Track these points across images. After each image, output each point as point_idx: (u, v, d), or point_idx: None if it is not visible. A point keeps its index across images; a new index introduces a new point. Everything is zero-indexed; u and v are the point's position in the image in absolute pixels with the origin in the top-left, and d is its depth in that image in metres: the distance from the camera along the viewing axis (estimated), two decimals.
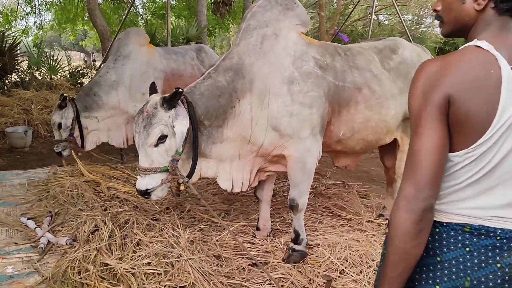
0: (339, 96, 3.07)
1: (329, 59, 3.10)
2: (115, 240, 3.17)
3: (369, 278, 2.89)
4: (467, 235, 1.23)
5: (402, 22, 10.18)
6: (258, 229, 3.55)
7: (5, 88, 9.19)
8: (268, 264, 3.09)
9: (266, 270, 2.77)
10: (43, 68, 9.99)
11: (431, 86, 1.19)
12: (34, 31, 16.13)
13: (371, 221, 3.97)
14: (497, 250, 1.20)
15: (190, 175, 2.84)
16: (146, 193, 2.69)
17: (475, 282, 1.21)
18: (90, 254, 2.96)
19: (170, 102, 2.61)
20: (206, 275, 2.77)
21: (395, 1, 9.83)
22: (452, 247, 1.25)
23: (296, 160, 3.02)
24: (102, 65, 8.28)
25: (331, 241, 3.40)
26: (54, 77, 9.88)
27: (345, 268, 3.01)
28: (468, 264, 1.22)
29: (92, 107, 4.69)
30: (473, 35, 1.27)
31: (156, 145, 2.63)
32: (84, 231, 3.32)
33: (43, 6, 14.23)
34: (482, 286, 1.20)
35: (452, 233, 1.25)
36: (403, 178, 1.22)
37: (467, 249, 1.23)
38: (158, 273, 2.70)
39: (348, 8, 14.02)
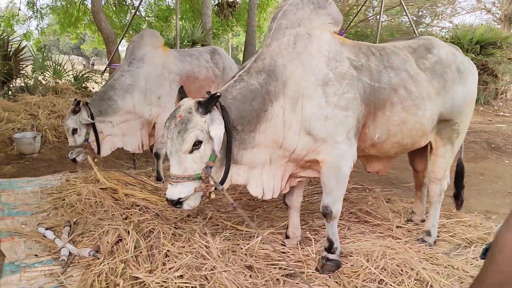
0: (375, 98, 2.93)
1: (363, 59, 2.97)
2: (141, 251, 3.03)
3: None
4: None
5: (410, 21, 10.08)
6: (287, 237, 3.41)
7: (10, 92, 9.05)
8: (303, 275, 2.95)
9: (306, 280, 2.63)
10: (47, 73, 9.85)
11: None
12: (35, 35, 16.02)
13: (400, 227, 3.84)
14: None
15: (222, 183, 2.70)
16: (178, 203, 2.55)
17: None
18: (116, 267, 2.83)
19: (206, 107, 2.48)
20: None
21: (403, 1, 9.73)
22: None
23: (331, 165, 2.88)
24: (114, 68, 8.17)
25: (364, 249, 3.26)
26: (59, 81, 9.74)
27: (384, 277, 2.87)
28: None
29: (107, 112, 4.56)
30: None
31: (191, 152, 2.50)
32: (108, 242, 3.18)
33: (45, 9, 14.09)
34: None
35: None
36: None
37: None
38: (192, 287, 2.56)
39: (353, 9, 13.91)
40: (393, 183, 5.61)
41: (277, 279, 2.88)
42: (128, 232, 3.30)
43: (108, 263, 2.89)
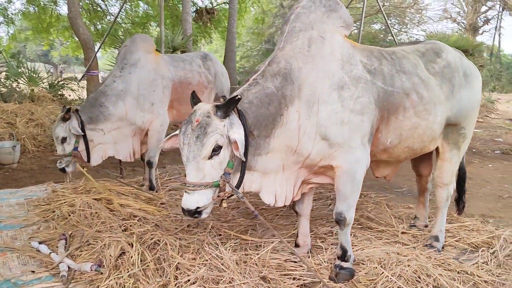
0: (388, 102, 2.90)
1: (376, 63, 2.93)
2: (148, 265, 2.88)
3: None
4: None
5: (389, 28, 10.23)
6: (297, 245, 3.32)
7: None
8: (319, 285, 2.86)
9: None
10: (22, 80, 9.48)
11: None
12: (4, 42, 15.46)
13: (405, 233, 3.81)
14: None
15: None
16: (196, 212, 2.42)
17: None
18: (125, 282, 2.66)
19: (225, 110, 2.37)
20: None
21: (383, 9, 9.89)
22: None
23: (346, 171, 2.82)
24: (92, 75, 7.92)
25: (375, 256, 3.19)
26: (35, 88, 9.38)
27: (402, 284, 2.81)
28: None
29: (98, 119, 4.36)
30: None
31: (210, 157, 2.38)
32: (110, 255, 3.00)
33: (17, 16, 13.61)
34: None
35: None
36: None
37: None
38: None
39: None
40: (385, 189, 5.61)
41: None
42: (131, 244, 3.13)
43: (114, 278, 2.72)
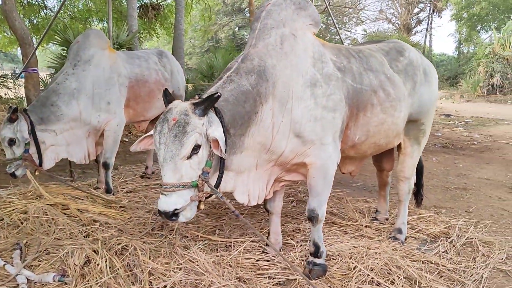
0: (358, 99, 2.95)
1: (345, 61, 2.98)
2: (118, 272, 2.74)
3: None
4: None
5: (336, 28, 10.48)
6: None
7: None
8: (294, 282, 2.86)
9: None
10: None
11: None
12: None
13: (368, 226, 3.91)
14: None
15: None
16: (173, 215, 2.33)
17: None
18: None
19: (204, 108, 2.30)
20: None
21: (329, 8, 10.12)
22: None
23: (319, 168, 2.84)
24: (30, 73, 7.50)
25: (345, 251, 3.25)
26: None
27: (374, 277, 2.88)
28: None
29: (50, 119, 4.10)
30: None
31: (189, 157, 2.30)
32: (75, 264, 2.82)
33: None
34: None
35: None
36: None
37: None
38: None
39: None
40: (341, 184, 5.73)
41: None
42: (96, 251, 2.97)
43: None
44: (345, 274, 2.94)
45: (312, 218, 2.94)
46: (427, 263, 3.19)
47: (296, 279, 2.90)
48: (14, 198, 4.11)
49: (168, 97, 2.47)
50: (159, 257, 2.91)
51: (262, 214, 4.14)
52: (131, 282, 2.63)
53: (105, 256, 2.87)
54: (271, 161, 2.84)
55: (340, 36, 10.13)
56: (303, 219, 3.99)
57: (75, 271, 2.77)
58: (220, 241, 3.41)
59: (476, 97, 22.44)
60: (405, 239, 3.62)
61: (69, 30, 9.65)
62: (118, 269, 2.76)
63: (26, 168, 4.05)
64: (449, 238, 3.69)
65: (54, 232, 3.33)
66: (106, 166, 4.51)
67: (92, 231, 3.37)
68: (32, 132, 3.96)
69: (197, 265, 2.74)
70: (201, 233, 3.55)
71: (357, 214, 4.13)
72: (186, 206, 2.35)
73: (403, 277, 2.90)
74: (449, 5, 31.26)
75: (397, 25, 35.89)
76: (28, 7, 13.96)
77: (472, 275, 3.08)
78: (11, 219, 3.65)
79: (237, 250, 3.13)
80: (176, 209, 2.32)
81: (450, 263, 3.23)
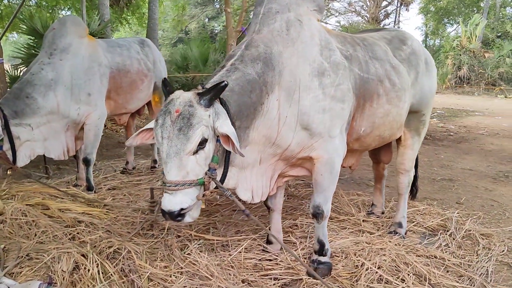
0: (365, 89, 2.81)
1: (351, 49, 2.82)
2: (111, 278, 2.51)
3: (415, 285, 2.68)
4: None
5: None
6: (269, 242, 3.13)
7: None
8: (300, 283, 2.71)
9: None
10: None
11: None
12: None
13: (366, 220, 3.80)
14: None
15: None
16: (179, 215, 2.12)
17: None
18: None
19: (210, 98, 2.09)
20: None
21: None
22: None
23: (325, 162, 2.69)
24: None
25: (349, 248, 3.13)
26: None
27: (383, 275, 2.76)
28: None
29: (24, 113, 3.78)
30: None
31: (195, 152, 2.09)
32: (63, 270, 2.58)
33: None
34: None
35: None
36: None
37: None
38: None
39: (253, 5, 13.94)
40: None
41: None
42: (84, 255, 2.73)
43: None
44: (352, 273, 2.81)
45: (317, 215, 2.79)
46: (432, 258, 3.11)
47: (301, 279, 2.75)
48: None
49: (168, 87, 2.24)
50: (155, 260, 2.70)
51: (253, 210, 3.97)
52: None
53: (96, 261, 2.63)
54: (275, 156, 2.67)
55: None
56: (299, 215, 3.85)
57: (64, 278, 2.53)
58: (216, 240, 3.22)
59: (444, 89, 22.92)
60: (405, 233, 3.53)
61: (36, 18, 9.14)
62: (111, 274, 2.54)
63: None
64: (447, 231, 3.62)
65: (36, 235, 3.07)
66: (87, 162, 4.22)
67: (78, 233, 3.12)
68: (6, 127, 3.64)
69: (200, 269, 2.54)
70: (194, 231, 3.35)
71: (352, 208, 4.01)
72: (192, 205, 2.15)
73: (412, 274, 2.79)
74: None
75: (366, 18, 36.23)
76: None
77: (477, 269, 3.02)
78: None
79: (236, 249, 2.96)
80: (182, 209, 2.11)
81: (454, 257, 3.16)
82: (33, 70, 3.90)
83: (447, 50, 24.80)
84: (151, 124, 2.29)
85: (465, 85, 23.14)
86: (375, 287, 2.65)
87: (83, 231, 3.15)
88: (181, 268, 2.58)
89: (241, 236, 3.35)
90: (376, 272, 2.77)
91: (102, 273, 2.55)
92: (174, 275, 2.48)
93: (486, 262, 3.12)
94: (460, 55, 23.68)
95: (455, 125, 11.31)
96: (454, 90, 22.83)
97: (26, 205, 3.50)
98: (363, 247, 3.11)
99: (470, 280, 2.86)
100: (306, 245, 3.19)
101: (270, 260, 2.95)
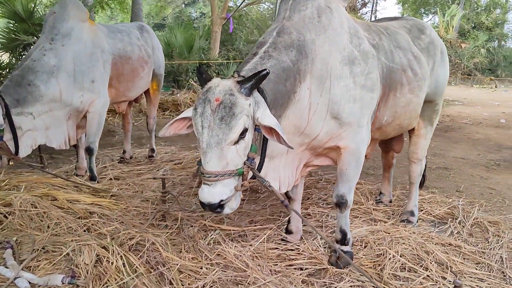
0: (390, 78, 2.80)
1: (376, 37, 2.81)
2: (138, 271, 2.44)
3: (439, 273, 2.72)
4: None
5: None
6: (289, 232, 3.11)
7: None
8: (325, 272, 2.71)
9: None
10: None
11: None
12: None
13: (376, 209, 3.83)
14: None
15: (254, 178, 2.28)
16: (219, 206, 2.07)
17: None
18: None
19: (251, 87, 2.03)
20: None
21: None
22: None
23: (352, 152, 2.67)
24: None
25: (365, 236, 3.15)
26: None
27: (407, 263, 2.78)
28: None
29: (27, 101, 3.61)
30: None
31: (236, 142, 2.04)
32: (85, 263, 2.50)
33: None
34: None
35: None
36: None
37: None
38: None
39: None
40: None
41: (303, 281, 2.59)
42: (105, 248, 2.64)
43: None
44: (375, 261, 2.83)
45: (341, 204, 2.79)
46: (447, 246, 3.15)
47: (325, 268, 2.75)
48: None
49: (204, 74, 2.17)
50: (180, 251, 2.64)
51: (263, 199, 3.94)
52: (159, 283, 2.35)
53: (118, 253, 2.56)
54: (302, 145, 2.64)
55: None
56: (309, 204, 3.85)
57: (87, 271, 2.45)
58: (233, 230, 3.18)
59: None
60: (417, 221, 3.57)
61: (17, 1, 8.76)
62: (137, 267, 2.47)
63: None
64: (456, 219, 3.69)
65: (49, 227, 2.96)
66: (90, 151, 4.10)
67: (92, 225, 3.03)
68: (7, 116, 3.48)
69: (233, 260, 2.49)
70: (207, 221, 3.30)
71: (361, 197, 4.03)
72: (231, 196, 2.10)
73: (434, 262, 2.83)
74: None
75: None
76: None
77: (492, 255, 3.08)
78: None
79: (255, 240, 2.92)
80: (221, 200, 2.06)
81: (468, 245, 3.22)
82: (34, 56, 3.72)
83: None
84: (185, 113, 2.22)
85: None
86: (400, 275, 2.67)
87: (97, 223, 3.06)
88: (211, 260, 2.53)
89: (256, 226, 3.32)
90: (399, 261, 2.80)
91: (127, 265, 2.48)
92: (205, 267, 2.43)
93: (498, 249, 3.19)
94: None
95: None
96: None
97: (33, 196, 3.36)
98: (382, 236, 3.13)
99: (488, 267, 2.92)
100: (326, 235, 3.19)
101: (292, 250, 2.94)
